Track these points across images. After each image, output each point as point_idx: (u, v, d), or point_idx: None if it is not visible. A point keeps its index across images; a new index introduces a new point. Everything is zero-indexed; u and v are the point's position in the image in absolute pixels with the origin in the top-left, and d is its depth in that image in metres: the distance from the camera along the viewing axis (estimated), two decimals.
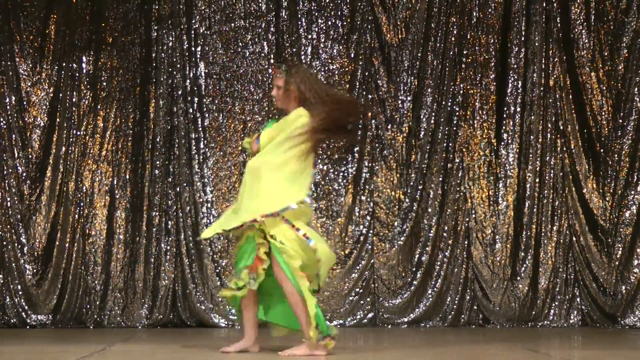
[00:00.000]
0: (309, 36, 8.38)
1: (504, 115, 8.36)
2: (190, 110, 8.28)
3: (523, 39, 8.38)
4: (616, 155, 8.25)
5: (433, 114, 8.37)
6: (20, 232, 8.08)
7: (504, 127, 8.36)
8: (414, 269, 8.25)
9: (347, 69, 8.37)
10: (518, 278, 8.26)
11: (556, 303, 8.26)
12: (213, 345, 5.85)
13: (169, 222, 8.23)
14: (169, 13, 8.26)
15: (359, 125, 5.71)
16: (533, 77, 8.33)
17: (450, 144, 8.36)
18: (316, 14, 8.37)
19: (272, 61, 7.87)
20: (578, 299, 8.26)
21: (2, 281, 8.05)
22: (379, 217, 8.30)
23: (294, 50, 8.32)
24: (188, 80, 8.28)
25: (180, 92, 8.28)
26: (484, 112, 8.35)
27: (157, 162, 8.24)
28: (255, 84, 8.20)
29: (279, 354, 5.21)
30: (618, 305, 8.15)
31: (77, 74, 8.25)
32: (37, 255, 8.11)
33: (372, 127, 8.36)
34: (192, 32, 8.31)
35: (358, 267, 8.27)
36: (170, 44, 8.30)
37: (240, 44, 8.34)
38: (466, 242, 8.26)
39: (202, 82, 8.31)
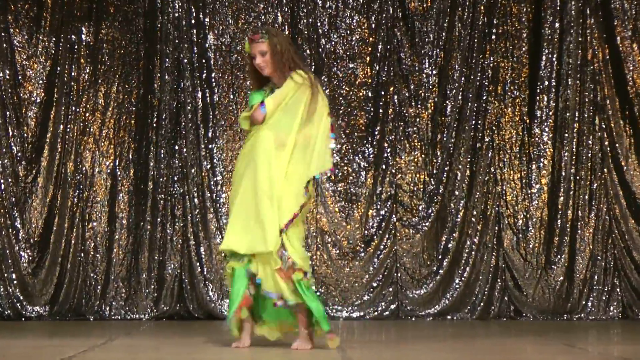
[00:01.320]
0: (326, 5, 8.30)
1: (537, 91, 8.26)
2: (198, 86, 8.21)
3: (558, 7, 8.27)
4: None
5: (460, 89, 8.27)
6: (14, 216, 8.05)
7: (537, 103, 8.26)
8: (439, 257, 8.19)
9: (367, 41, 8.29)
10: (553, 267, 8.18)
11: (594, 294, 8.19)
12: (223, 339, 5.73)
13: (175, 206, 8.16)
14: None
15: None
16: (569, 48, 8.23)
17: (479, 122, 8.27)
18: None
19: (281, 31, 7.78)
20: (618, 290, 8.19)
21: None
22: (402, 200, 8.24)
23: (310, 20, 8.25)
24: (196, 53, 8.21)
25: (187, 66, 8.20)
26: (516, 87, 8.27)
27: (163, 142, 8.17)
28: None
29: (292, 348, 5.23)
30: None
31: (76, 46, 8.18)
32: (33, 242, 8.08)
33: (394, 103, 8.26)
34: (200, 0, 8.23)
35: (380, 255, 8.21)
36: (177, 14, 8.21)
37: (252, 13, 8.26)
38: (496, 228, 8.18)
39: (210, 54, 8.23)
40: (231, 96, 8.22)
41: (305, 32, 8.20)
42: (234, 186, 5.35)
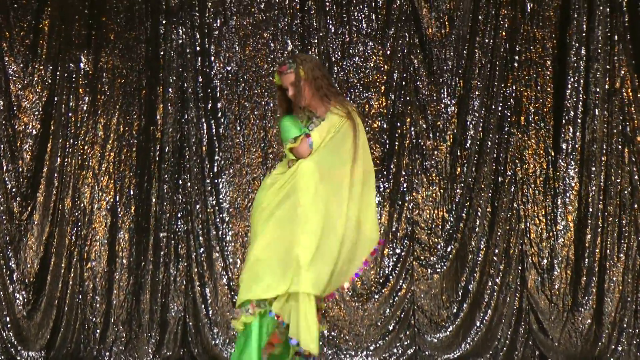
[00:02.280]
0: (339, 31, 8.13)
1: (563, 121, 8.05)
2: (203, 117, 8.10)
3: (584, 33, 8.06)
4: None
5: (481, 120, 8.09)
6: (9, 255, 7.93)
7: (562, 135, 8.06)
8: (459, 299, 8.02)
9: (382, 69, 8.11)
10: (580, 309, 7.99)
11: (624, 337, 7.94)
12: None
13: (179, 245, 8.02)
14: (179, 5, 8.02)
15: None
16: (596, 76, 8.03)
17: (501, 155, 8.07)
18: (347, 6, 8.12)
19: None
20: None
21: None
22: (419, 238, 8.08)
23: (322, 47, 8.10)
24: (200, 82, 8.08)
25: (191, 96, 8.07)
26: (540, 118, 8.08)
27: (166, 176, 8.05)
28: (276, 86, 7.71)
29: None
30: None
31: (74, 75, 8.09)
32: (28, 283, 7.95)
33: (411, 135, 8.09)
34: (205, 26, 8.07)
35: (396, 296, 8.04)
36: (180, 41, 8.07)
37: (260, 40, 8.10)
38: (520, 268, 7.99)
39: (216, 84, 8.10)
40: (238, 128, 8.09)
41: None
42: (256, 225, 5.09)
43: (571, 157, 8.06)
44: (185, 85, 8.07)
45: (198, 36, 8.08)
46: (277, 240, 4.96)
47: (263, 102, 8.07)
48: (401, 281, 8.05)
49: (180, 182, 8.08)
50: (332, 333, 7.87)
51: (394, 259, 8.09)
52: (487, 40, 8.11)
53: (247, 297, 4.92)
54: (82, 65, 8.10)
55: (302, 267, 4.84)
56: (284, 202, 5.00)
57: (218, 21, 8.11)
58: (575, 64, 8.06)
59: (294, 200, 4.96)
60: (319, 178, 4.97)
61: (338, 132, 5.06)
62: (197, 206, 8.03)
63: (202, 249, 7.99)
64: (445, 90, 8.14)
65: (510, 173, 8.08)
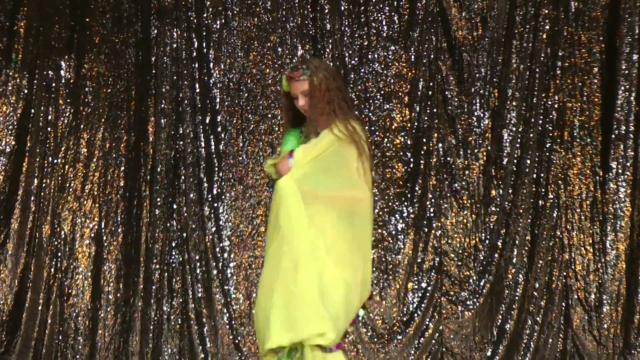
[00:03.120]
0: (356, 34, 7.91)
1: (612, 137, 7.84)
2: (201, 132, 7.93)
3: (636, 36, 7.82)
4: None
5: (519, 136, 7.86)
6: None
7: (612, 152, 7.86)
8: (495, 340, 7.81)
9: (405, 77, 7.90)
10: (633, 351, 7.77)
11: None
12: None
13: (173, 279, 7.88)
14: (173, 4, 7.89)
15: None
16: None
17: (542, 175, 7.85)
18: (365, 4, 7.96)
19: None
20: None
21: None
22: (448, 271, 7.89)
23: (336, 52, 7.92)
24: (198, 92, 7.92)
25: (188, 108, 7.91)
26: (586, 133, 7.87)
27: (158, 200, 7.86)
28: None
29: None
30: None
31: (53, 84, 7.92)
32: (1, 322, 7.81)
33: (438, 152, 7.88)
34: (203, 28, 7.90)
35: (421, 337, 7.84)
36: (175, 45, 7.88)
37: (266, 44, 7.92)
38: (563, 304, 7.82)
39: (216, 93, 7.91)
40: (240, 144, 7.93)
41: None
42: (267, 256, 4.98)
43: (622, 177, 7.89)
44: (181, 95, 7.92)
45: (195, 39, 7.95)
46: (274, 282, 4.83)
47: (269, 115, 7.94)
48: (428, 320, 7.88)
49: (175, 206, 7.93)
50: None
51: (420, 294, 7.90)
52: (525, 44, 7.92)
53: (269, 347, 4.80)
54: (62, 72, 7.98)
55: (297, 319, 4.74)
56: (273, 233, 4.91)
57: (218, 22, 7.96)
58: (627, 71, 7.87)
59: (280, 235, 4.84)
60: (302, 198, 4.80)
61: (331, 152, 4.92)
62: (194, 234, 7.92)
63: (200, 283, 7.86)
64: (478, 100, 7.97)
65: (552, 196, 7.90)
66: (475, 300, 7.88)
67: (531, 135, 7.86)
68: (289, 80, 4.97)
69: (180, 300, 7.83)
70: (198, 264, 7.84)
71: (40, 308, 7.76)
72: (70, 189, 7.88)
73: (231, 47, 7.90)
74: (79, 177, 7.88)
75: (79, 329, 7.78)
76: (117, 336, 7.76)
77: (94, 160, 7.90)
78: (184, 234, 7.85)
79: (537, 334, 7.77)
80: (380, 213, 7.90)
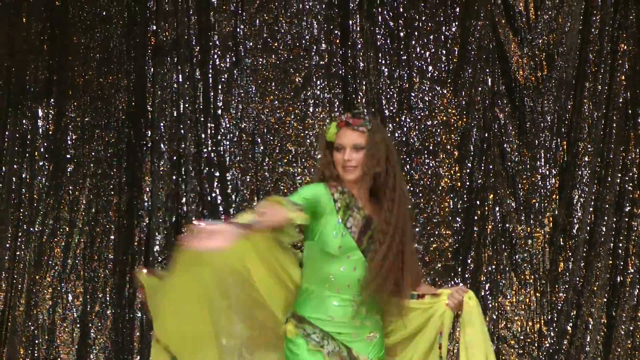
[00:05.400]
0: (395, 74, 7.52)
1: None
2: (207, 190, 7.48)
3: None
4: None
5: (592, 198, 7.41)
6: None
7: None
8: None
9: (455, 125, 7.50)
10: None
11: None
12: None
13: None
14: (173, 39, 7.54)
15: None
16: None
17: (620, 245, 7.39)
18: (407, 39, 7.57)
19: (339, 114, 7.29)
20: None
21: None
22: None
23: (371, 96, 7.48)
24: (203, 145, 7.50)
25: (190, 165, 7.48)
26: None
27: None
28: (309, 149, 7.68)
29: None
30: None
31: (28, 136, 7.54)
32: None
33: (495, 217, 7.45)
34: (210, 68, 7.51)
35: None
36: (175, 87, 7.47)
37: (286, 86, 7.51)
38: None
39: (226, 147, 7.48)
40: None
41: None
42: None
43: None
44: (182, 149, 7.50)
45: (200, 81, 7.53)
46: None
47: (290, 171, 7.54)
48: None
49: None
50: None
51: None
52: (599, 87, 7.48)
53: None
54: (40, 122, 7.61)
55: None
56: None
57: (227, 60, 7.57)
58: None
59: None
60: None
61: None
62: None
63: None
64: (543, 155, 7.57)
65: (632, 270, 7.43)
66: None
67: (607, 197, 7.43)
68: (341, 125, 4.56)
69: None
70: None
71: None
72: (49, 263, 7.43)
73: (243, 91, 7.51)
74: (59, 250, 7.47)
75: None
76: None
77: (78, 227, 7.46)
78: None
79: None
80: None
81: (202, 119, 7.46)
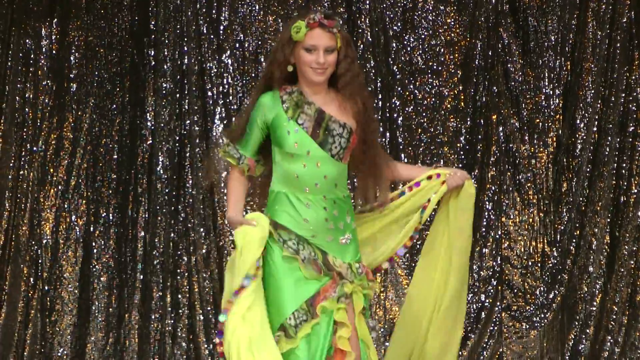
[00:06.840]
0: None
1: None
2: (215, 108, 7.50)
3: None
4: None
5: (596, 118, 7.46)
6: None
7: None
8: None
9: (459, 44, 7.54)
10: None
11: None
12: None
13: (179, 292, 7.54)
14: None
15: None
16: None
17: (624, 165, 7.47)
18: None
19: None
20: None
21: None
22: (510, 280, 7.52)
23: (375, 16, 7.41)
24: (211, 63, 7.48)
25: (194, 80, 7.47)
26: None
27: (159, 197, 7.48)
28: None
29: None
30: None
31: (32, 55, 7.56)
32: None
33: (499, 138, 7.54)
34: None
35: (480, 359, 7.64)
36: (178, 2, 7.47)
37: (290, 6, 7.52)
38: None
39: (228, 63, 7.45)
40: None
41: (368, 34, 7.57)
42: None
43: None
44: (187, 66, 7.46)
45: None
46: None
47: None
48: (486, 339, 7.56)
49: (180, 207, 7.58)
50: None
51: (475, 308, 7.60)
52: (604, 7, 7.50)
53: None
54: (43, 41, 7.61)
55: None
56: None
57: None
58: None
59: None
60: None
61: None
62: (203, 236, 7.60)
63: (210, 296, 7.57)
64: (547, 75, 7.58)
65: (636, 190, 7.50)
66: (542, 316, 7.55)
67: (611, 117, 7.50)
68: (313, 26, 4.50)
69: (187, 315, 7.50)
70: (207, 274, 7.49)
71: (17, 325, 7.45)
72: (53, 182, 7.52)
73: (247, 8, 7.52)
74: (62, 168, 7.54)
75: (64, 351, 7.46)
76: (109, 359, 7.47)
77: (80, 148, 7.52)
78: (192, 236, 7.50)
79: (617, 356, 7.42)
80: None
81: (205, 35, 7.45)
